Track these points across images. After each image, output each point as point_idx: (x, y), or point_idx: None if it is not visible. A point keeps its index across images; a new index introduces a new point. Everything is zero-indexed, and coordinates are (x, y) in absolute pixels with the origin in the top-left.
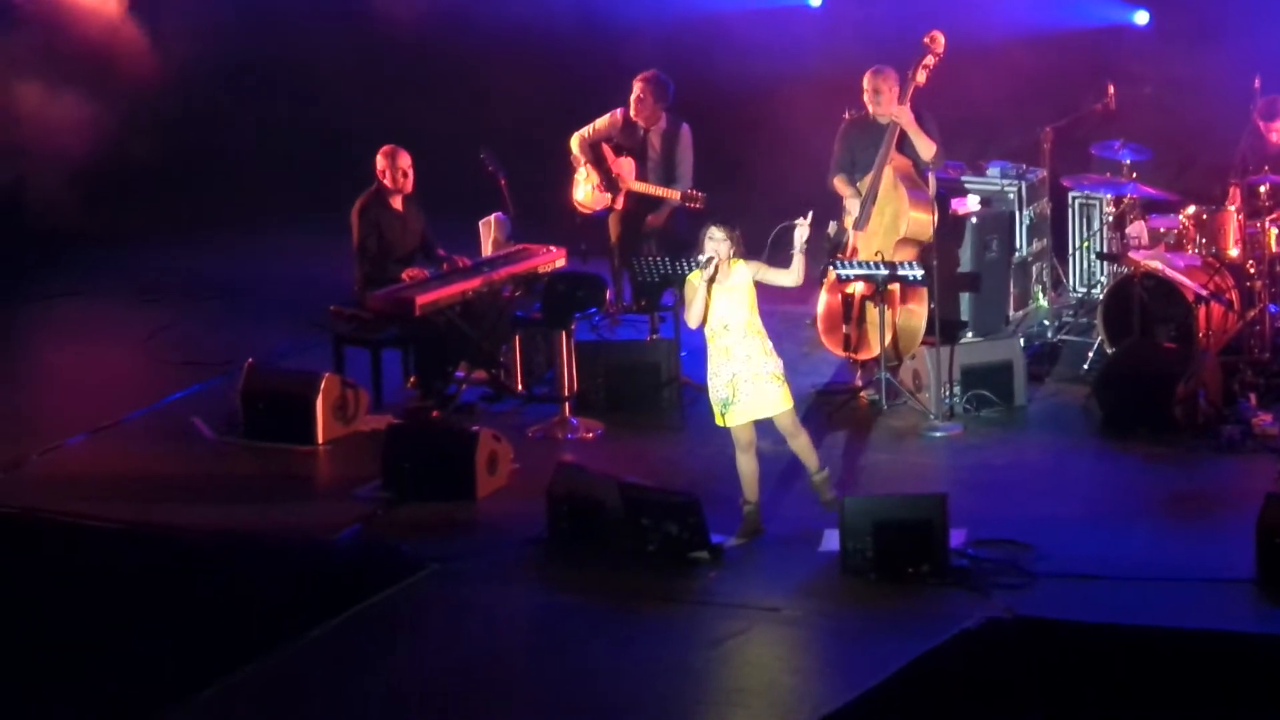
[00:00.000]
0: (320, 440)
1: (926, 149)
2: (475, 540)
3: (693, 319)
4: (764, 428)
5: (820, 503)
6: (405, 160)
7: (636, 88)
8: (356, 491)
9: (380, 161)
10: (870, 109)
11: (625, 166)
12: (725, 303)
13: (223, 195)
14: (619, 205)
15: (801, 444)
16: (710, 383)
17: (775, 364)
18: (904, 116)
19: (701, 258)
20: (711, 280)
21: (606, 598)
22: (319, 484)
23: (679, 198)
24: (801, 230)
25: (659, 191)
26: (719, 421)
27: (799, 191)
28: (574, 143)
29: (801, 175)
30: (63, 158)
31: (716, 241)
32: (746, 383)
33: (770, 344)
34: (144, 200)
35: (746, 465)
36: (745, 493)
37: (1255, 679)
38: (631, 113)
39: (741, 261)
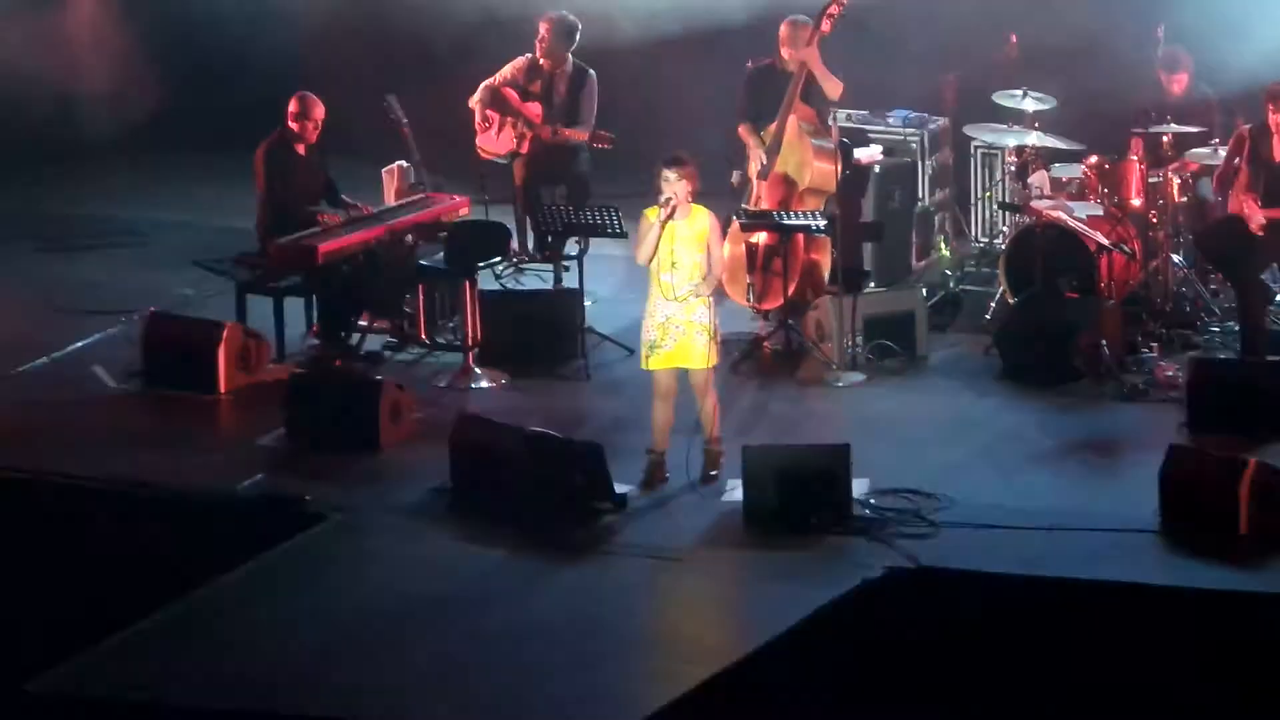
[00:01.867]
0: (222, 389)
1: (834, 88)
2: (379, 490)
3: (642, 255)
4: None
5: (701, 470)
6: (319, 112)
7: (541, 28)
8: (259, 441)
9: (293, 105)
10: (784, 56)
11: (533, 110)
12: (679, 244)
13: (118, 138)
14: (524, 149)
15: (708, 408)
16: (644, 322)
17: (712, 319)
18: (812, 56)
19: (661, 199)
20: (666, 220)
21: (511, 548)
22: (221, 433)
23: (586, 137)
24: (663, 211)
25: (566, 132)
26: (642, 364)
27: (704, 141)
28: (479, 90)
29: (711, 124)
30: None
31: (671, 182)
32: (678, 328)
33: (713, 300)
34: (32, 141)
35: (660, 413)
36: (655, 441)
37: (1158, 628)
38: (536, 53)
39: (707, 212)
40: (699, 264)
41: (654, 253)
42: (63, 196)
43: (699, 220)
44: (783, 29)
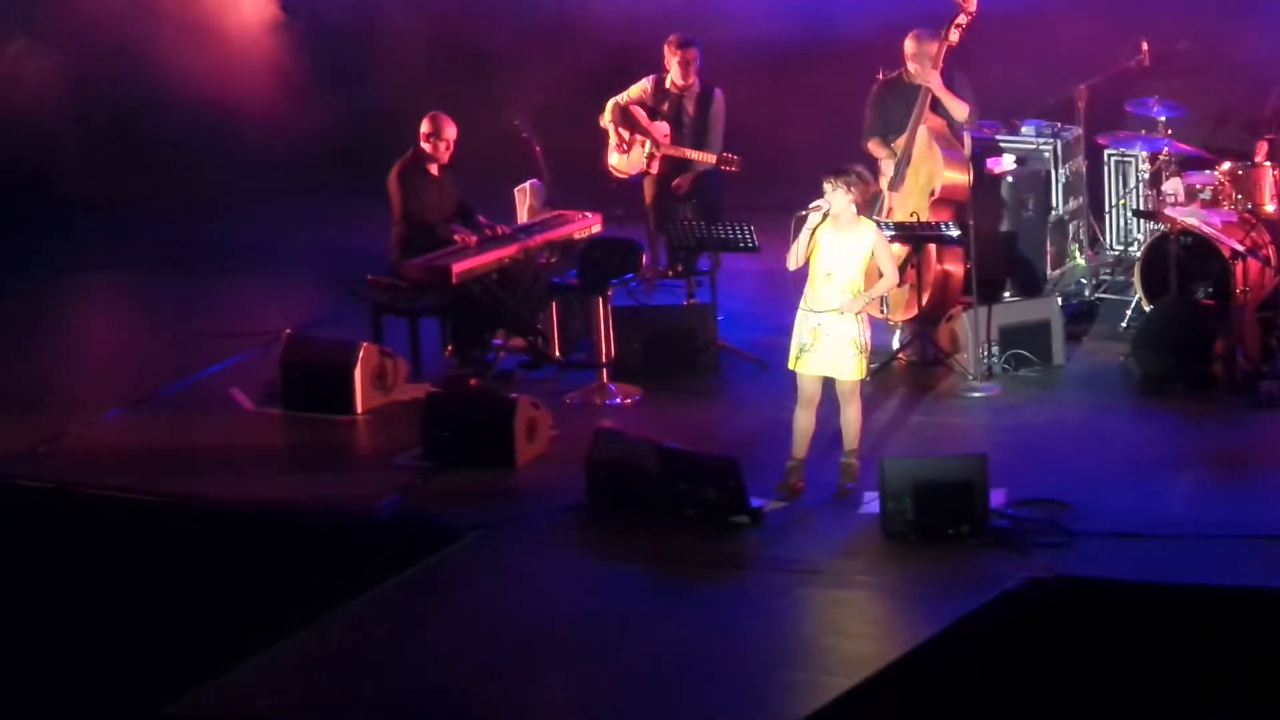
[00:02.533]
0: (359, 410)
1: (959, 111)
2: (515, 508)
3: (790, 259)
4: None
5: (838, 483)
6: (451, 132)
7: (677, 55)
8: (396, 460)
9: (425, 126)
10: (911, 70)
11: (659, 130)
12: (837, 253)
13: (248, 163)
14: (654, 169)
15: (850, 417)
16: (796, 325)
17: (863, 334)
18: (934, 81)
19: (811, 204)
20: (815, 226)
21: (648, 563)
22: (358, 454)
23: (714, 160)
24: (814, 216)
25: (694, 155)
26: (790, 364)
27: (835, 155)
28: (607, 108)
29: (837, 138)
30: (80, 122)
31: (828, 193)
32: (829, 337)
33: (865, 313)
34: (163, 168)
35: (802, 420)
36: (794, 448)
37: None
38: (679, 79)
39: (873, 226)
40: (855, 279)
41: (804, 259)
42: (200, 218)
43: (862, 234)
44: (908, 43)
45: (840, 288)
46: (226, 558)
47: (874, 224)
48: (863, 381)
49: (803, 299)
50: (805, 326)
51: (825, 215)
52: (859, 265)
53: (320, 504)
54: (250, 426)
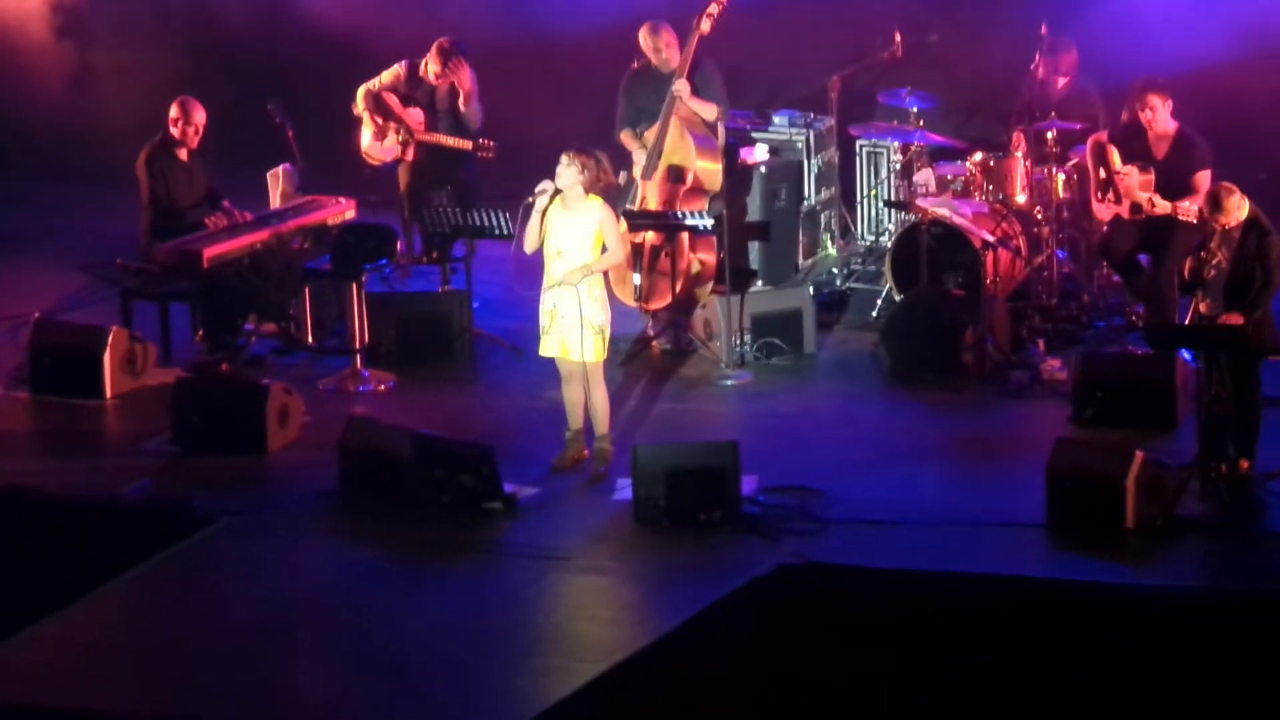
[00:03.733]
0: (108, 394)
1: (708, 112)
2: (267, 494)
3: (524, 243)
4: None
5: (592, 468)
6: (200, 117)
7: (434, 66)
8: (145, 445)
9: (173, 111)
10: (655, 65)
11: (413, 117)
12: (565, 232)
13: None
14: (408, 156)
15: (597, 402)
16: (540, 307)
17: (601, 314)
18: (683, 91)
19: (538, 187)
20: (546, 208)
21: (401, 550)
22: (107, 438)
23: (470, 147)
24: (542, 199)
25: (449, 141)
26: (539, 350)
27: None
28: (359, 95)
29: (596, 123)
30: None
31: (560, 167)
32: (563, 319)
33: (604, 293)
34: None
35: (570, 393)
36: (569, 419)
37: (1045, 622)
38: (422, 64)
39: (600, 202)
40: (586, 257)
41: (537, 240)
42: None
43: (590, 210)
44: (642, 36)
45: (570, 266)
46: None
47: (600, 201)
48: (617, 369)
49: (543, 282)
50: (543, 309)
51: (554, 195)
52: (589, 243)
53: (69, 488)
54: None
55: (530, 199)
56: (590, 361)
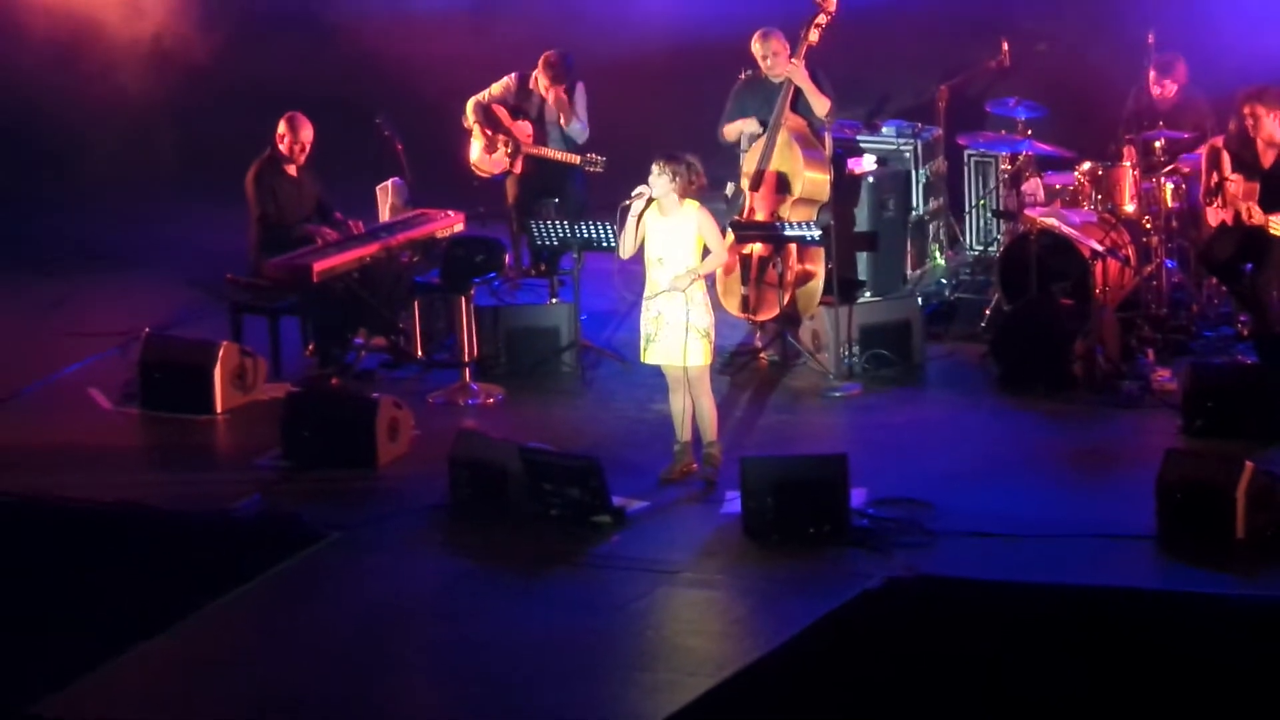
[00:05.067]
0: (219, 409)
1: (821, 105)
2: (377, 508)
3: (621, 249)
4: None
5: (701, 471)
6: (307, 134)
7: (543, 79)
8: (256, 461)
9: (281, 127)
10: (764, 72)
11: (522, 129)
12: (664, 238)
13: (107, 160)
14: (517, 169)
15: (704, 408)
16: (641, 315)
17: (706, 318)
18: (798, 73)
19: (634, 192)
20: (642, 212)
21: (510, 563)
22: (218, 454)
23: (578, 161)
24: (637, 204)
25: (557, 155)
26: (641, 357)
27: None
28: (469, 107)
29: (700, 137)
30: None
31: (652, 176)
32: (669, 326)
33: (707, 297)
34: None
35: (675, 404)
36: (677, 432)
37: (1156, 635)
38: (532, 83)
39: (697, 206)
40: (688, 262)
41: (633, 246)
42: (58, 217)
43: (686, 215)
44: (755, 44)
45: (674, 271)
46: (85, 558)
47: (697, 205)
48: (723, 380)
49: (645, 290)
50: (647, 316)
51: (649, 201)
52: (689, 248)
53: (179, 503)
54: (109, 426)
55: (626, 202)
56: (695, 366)
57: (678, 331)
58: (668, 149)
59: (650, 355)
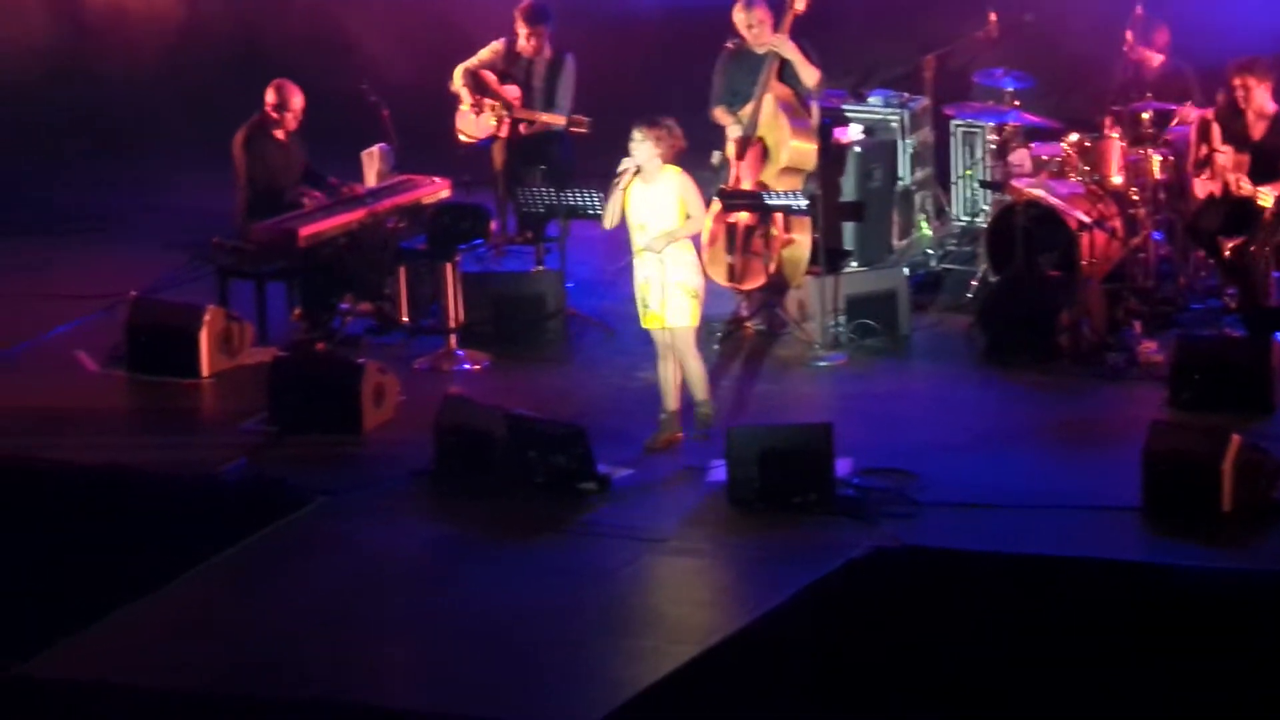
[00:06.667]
0: (205, 373)
1: (810, 75)
2: (362, 473)
3: (606, 218)
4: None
5: (694, 431)
6: (298, 101)
7: (524, 29)
8: (242, 425)
9: (270, 95)
10: (748, 41)
11: (510, 93)
12: (647, 205)
13: (95, 122)
14: (503, 133)
15: (693, 369)
16: (634, 282)
17: (694, 278)
18: (785, 45)
19: (620, 166)
20: (627, 183)
21: (495, 530)
22: (204, 417)
23: (564, 122)
24: (626, 177)
25: (544, 116)
26: (642, 323)
27: (683, 121)
28: (456, 74)
29: (688, 104)
30: None
31: (635, 144)
32: (658, 288)
33: (695, 258)
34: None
35: (664, 371)
36: (664, 400)
37: (1141, 607)
38: (526, 49)
39: (678, 171)
40: (674, 224)
41: (618, 215)
42: (40, 181)
43: (665, 179)
44: (736, 13)
45: (655, 237)
46: (71, 519)
47: (678, 170)
48: (711, 349)
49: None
50: (638, 283)
51: (637, 170)
52: (673, 212)
53: (166, 467)
54: (95, 388)
55: (616, 180)
56: (681, 326)
57: (666, 291)
58: (646, 115)
59: (645, 320)
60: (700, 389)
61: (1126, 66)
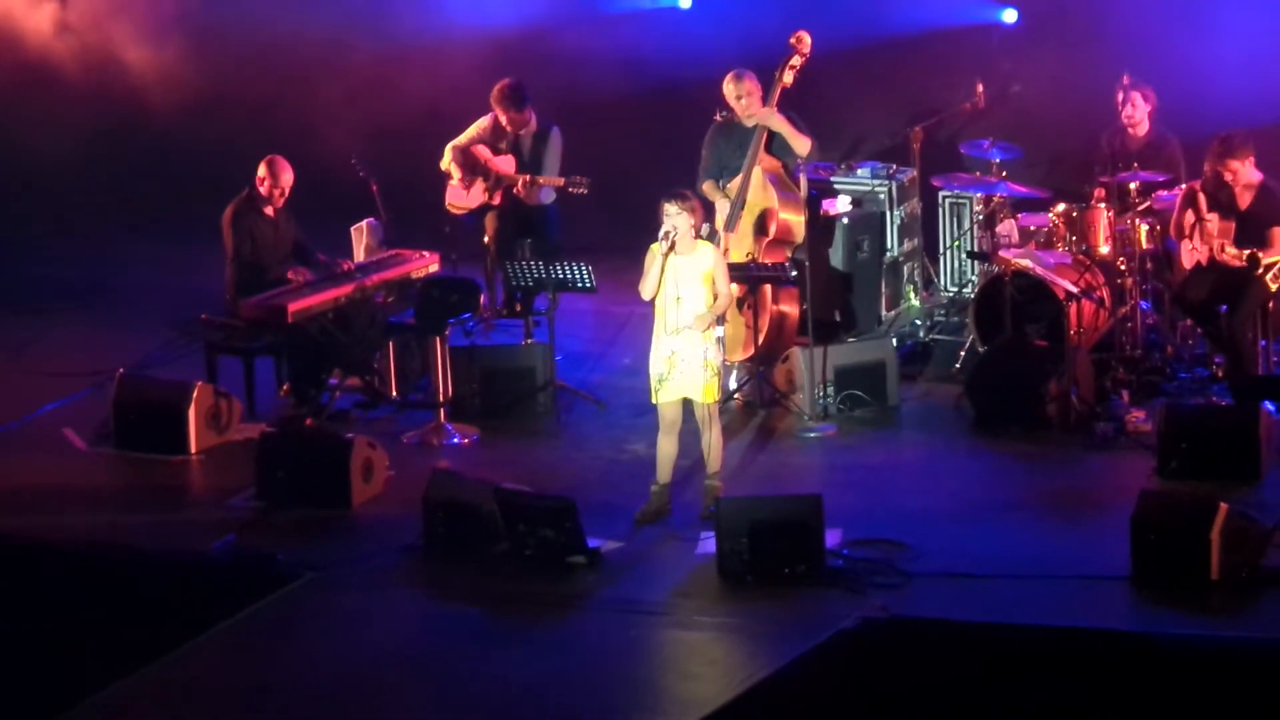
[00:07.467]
0: (193, 450)
1: (802, 145)
2: (351, 548)
3: (645, 289)
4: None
5: (703, 504)
6: (287, 178)
7: (505, 115)
8: (230, 501)
9: (261, 170)
10: (737, 113)
11: (506, 164)
12: (683, 278)
13: (83, 201)
14: (496, 201)
15: (712, 440)
16: (651, 356)
17: (716, 355)
18: (774, 119)
19: (661, 232)
20: (667, 253)
21: (484, 604)
22: (192, 493)
23: (562, 183)
24: (665, 245)
25: (542, 179)
26: (651, 398)
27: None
28: (447, 151)
29: (678, 177)
30: None
31: (671, 216)
32: (684, 362)
33: (718, 336)
34: None
35: (665, 446)
36: (658, 473)
37: (1130, 676)
38: (508, 127)
39: (711, 246)
40: (704, 299)
41: (657, 287)
42: (31, 258)
43: (703, 255)
44: (726, 85)
45: (691, 310)
46: (59, 597)
47: (710, 245)
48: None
49: (654, 333)
50: (658, 357)
51: (674, 242)
52: (705, 286)
53: (154, 543)
54: (83, 466)
55: (656, 244)
56: (710, 402)
57: (693, 366)
58: (673, 189)
59: (663, 394)
60: (716, 461)
61: (1113, 136)
